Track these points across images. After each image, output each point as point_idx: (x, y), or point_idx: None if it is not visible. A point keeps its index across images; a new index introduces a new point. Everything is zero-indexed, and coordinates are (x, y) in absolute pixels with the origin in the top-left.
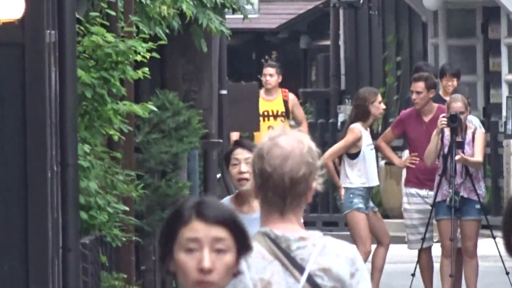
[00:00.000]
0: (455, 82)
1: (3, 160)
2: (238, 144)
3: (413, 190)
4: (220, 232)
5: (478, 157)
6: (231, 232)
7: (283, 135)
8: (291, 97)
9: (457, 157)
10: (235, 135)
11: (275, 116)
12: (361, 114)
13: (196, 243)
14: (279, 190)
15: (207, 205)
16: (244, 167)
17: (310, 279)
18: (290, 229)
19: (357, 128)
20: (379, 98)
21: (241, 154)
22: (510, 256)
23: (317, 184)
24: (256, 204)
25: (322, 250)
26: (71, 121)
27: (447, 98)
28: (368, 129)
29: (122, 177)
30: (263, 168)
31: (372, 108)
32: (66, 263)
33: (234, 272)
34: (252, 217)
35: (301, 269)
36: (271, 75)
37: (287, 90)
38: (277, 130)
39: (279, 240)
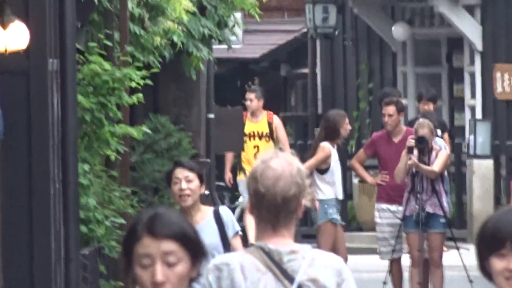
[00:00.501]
0: (431, 106)
1: (9, 178)
2: (177, 164)
3: (384, 206)
4: (170, 246)
5: (434, 167)
6: (182, 243)
7: (275, 158)
8: (275, 119)
9: (409, 161)
10: (230, 155)
11: (260, 137)
12: (330, 134)
13: (148, 258)
14: (272, 208)
15: (158, 220)
16: (184, 185)
17: None
18: (282, 243)
19: (327, 147)
20: (347, 120)
21: (181, 173)
22: (485, 277)
23: (306, 202)
24: (197, 217)
25: (311, 262)
26: (72, 143)
27: None
28: (335, 146)
29: (118, 194)
30: (257, 189)
31: (341, 130)
32: (68, 272)
33: (192, 277)
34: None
35: (291, 280)
36: (251, 100)
37: (272, 113)
38: (268, 153)
39: (272, 254)
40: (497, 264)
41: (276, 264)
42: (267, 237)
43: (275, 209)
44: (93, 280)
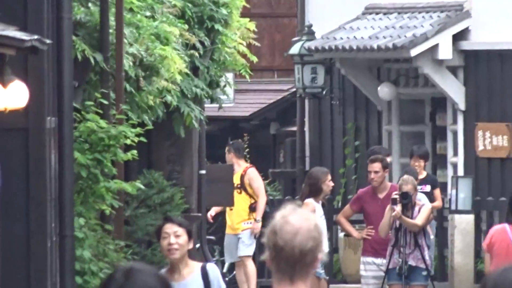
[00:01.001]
0: (422, 163)
1: (8, 231)
2: (167, 219)
3: (369, 259)
4: None
5: (417, 221)
6: None
7: (293, 213)
8: (250, 172)
9: (393, 213)
10: (214, 209)
11: (234, 188)
12: (314, 191)
13: None
14: (290, 261)
15: (132, 281)
16: (173, 239)
17: None
18: None
19: (311, 203)
20: (329, 177)
21: (170, 228)
22: None
23: (322, 255)
24: (184, 272)
25: None
26: (68, 197)
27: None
28: (320, 202)
29: (112, 246)
30: (276, 242)
31: (323, 186)
32: None
33: None
34: (181, 283)
35: None
36: (226, 152)
37: (249, 166)
38: (287, 208)
39: None
40: None
41: None
42: (283, 287)
43: (293, 261)
44: None
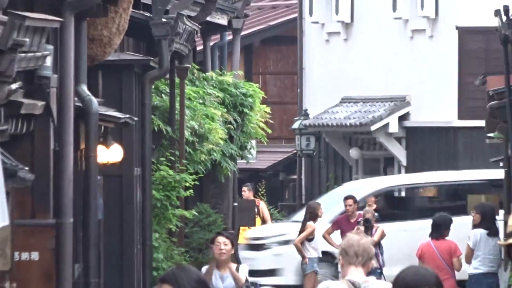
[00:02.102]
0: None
1: (109, 243)
2: (219, 233)
3: None
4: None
5: (374, 238)
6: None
7: (357, 235)
8: (261, 204)
9: (358, 231)
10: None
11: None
12: (312, 217)
13: None
14: (357, 254)
15: (182, 274)
16: (223, 246)
17: None
18: (360, 277)
19: (312, 225)
20: (321, 208)
21: (221, 239)
22: None
23: (373, 262)
24: (226, 269)
25: (376, 286)
26: (148, 220)
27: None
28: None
29: (177, 252)
30: (349, 245)
31: (318, 213)
32: None
33: None
34: (225, 275)
35: None
36: (244, 191)
37: (259, 201)
38: (355, 234)
39: (354, 283)
40: None
41: None
42: (350, 274)
43: (360, 255)
44: None
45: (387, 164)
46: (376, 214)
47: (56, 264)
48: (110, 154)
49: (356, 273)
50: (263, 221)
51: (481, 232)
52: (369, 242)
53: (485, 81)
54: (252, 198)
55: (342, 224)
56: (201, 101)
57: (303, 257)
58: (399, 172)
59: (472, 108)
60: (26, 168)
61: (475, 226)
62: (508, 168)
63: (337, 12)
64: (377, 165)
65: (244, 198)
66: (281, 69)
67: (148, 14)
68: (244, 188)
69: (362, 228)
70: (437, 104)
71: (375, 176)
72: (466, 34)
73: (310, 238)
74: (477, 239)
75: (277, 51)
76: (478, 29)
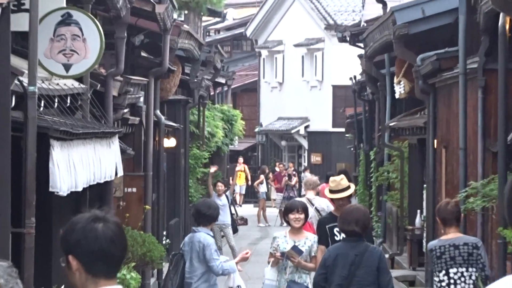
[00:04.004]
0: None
1: (170, 183)
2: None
3: None
4: None
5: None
6: None
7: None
8: (246, 168)
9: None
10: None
11: None
12: (262, 172)
13: None
14: (308, 184)
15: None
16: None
17: None
18: (311, 195)
19: (262, 176)
20: (268, 168)
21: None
22: None
23: None
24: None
25: (317, 201)
26: (187, 173)
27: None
28: None
29: (200, 188)
30: (307, 180)
31: (266, 170)
32: None
33: None
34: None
35: None
36: (239, 161)
37: (244, 165)
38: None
39: (309, 199)
40: None
41: None
42: (307, 194)
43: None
44: None
45: (298, 149)
46: (293, 170)
47: (144, 194)
48: (169, 142)
49: (310, 193)
50: (246, 177)
51: None
52: (315, 178)
53: (344, 110)
54: (242, 164)
55: (278, 176)
56: (212, 118)
57: (258, 191)
58: (304, 152)
59: (339, 122)
60: (130, 148)
61: None
62: (356, 150)
63: (276, 77)
64: (294, 149)
65: (238, 163)
66: (249, 103)
67: (188, 78)
68: (239, 160)
69: (287, 178)
70: (323, 120)
71: (293, 154)
72: (336, 88)
73: (261, 182)
74: None
75: (248, 95)
76: (342, 86)
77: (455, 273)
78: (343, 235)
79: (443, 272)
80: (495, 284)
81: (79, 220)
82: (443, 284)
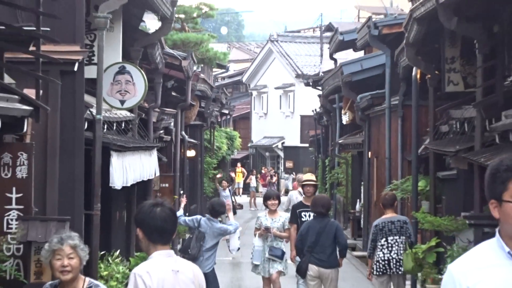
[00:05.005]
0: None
1: (191, 181)
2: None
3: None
4: None
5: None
6: None
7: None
8: (243, 170)
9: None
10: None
11: None
12: (252, 173)
13: None
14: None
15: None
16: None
17: None
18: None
19: (252, 177)
20: (255, 172)
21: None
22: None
23: None
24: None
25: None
26: (203, 174)
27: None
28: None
29: (211, 184)
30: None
31: (254, 173)
32: None
33: None
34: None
35: None
36: (238, 166)
37: (242, 168)
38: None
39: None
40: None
41: None
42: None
43: None
44: None
45: (277, 158)
46: (274, 172)
47: (173, 188)
48: (190, 153)
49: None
50: (243, 176)
51: None
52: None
53: (308, 132)
54: (240, 167)
55: (263, 176)
56: (219, 136)
57: (250, 186)
58: (281, 160)
59: (305, 139)
60: (164, 157)
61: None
62: (316, 159)
63: (262, 109)
64: (274, 158)
65: (237, 167)
66: (244, 127)
67: (203, 109)
68: (238, 164)
69: (269, 177)
70: (294, 139)
71: (273, 161)
72: (303, 117)
73: (250, 180)
74: None
75: (243, 121)
76: (307, 115)
77: (391, 240)
78: (308, 215)
79: (384, 239)
80: (474, 249)
81: (145, 204)
82: (384, 247)
